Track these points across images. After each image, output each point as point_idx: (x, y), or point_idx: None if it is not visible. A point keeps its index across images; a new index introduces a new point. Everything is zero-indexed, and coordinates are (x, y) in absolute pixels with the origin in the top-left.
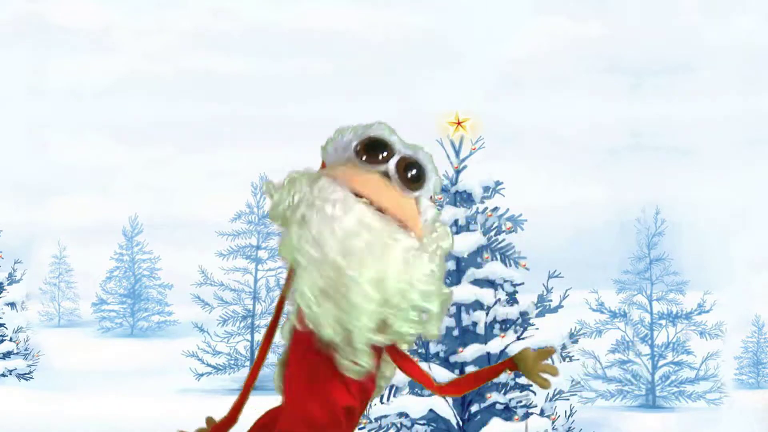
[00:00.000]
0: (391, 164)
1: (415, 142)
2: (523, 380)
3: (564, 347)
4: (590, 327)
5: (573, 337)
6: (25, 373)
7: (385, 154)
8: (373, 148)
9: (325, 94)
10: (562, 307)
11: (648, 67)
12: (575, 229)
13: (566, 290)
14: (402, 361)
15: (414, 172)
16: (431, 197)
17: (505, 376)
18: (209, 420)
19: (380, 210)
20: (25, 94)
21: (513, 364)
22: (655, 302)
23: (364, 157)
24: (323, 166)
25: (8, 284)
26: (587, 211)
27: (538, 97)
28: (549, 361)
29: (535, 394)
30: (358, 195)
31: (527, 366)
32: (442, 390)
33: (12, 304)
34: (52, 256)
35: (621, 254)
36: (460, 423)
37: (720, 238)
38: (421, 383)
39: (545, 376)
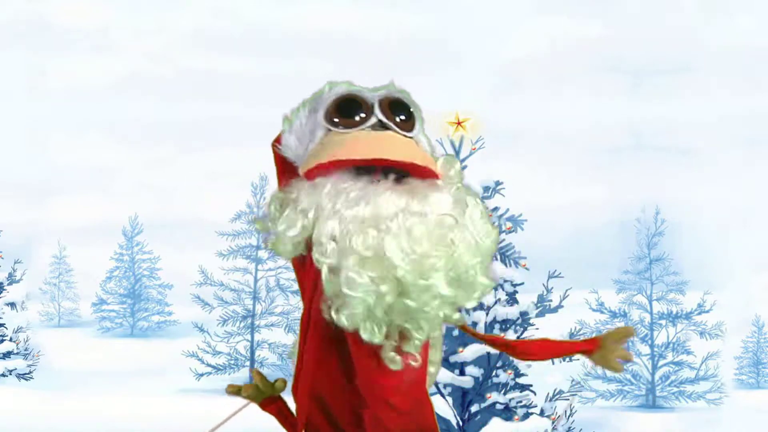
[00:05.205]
0: (378, 114)
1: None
2: (523, 380)
3: None
4: (590, 327)
5: (573, 337)
6: (25, 373)
7: (362, 111)
8: (347, 108)
9: None
10: (562, 307)
11: (648, 67)
12: (575, 229)
13: (566, 290)
14: None
15: (402, 113)
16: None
17: (504, 376)
18: (257, 374)
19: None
20: (25, 94)
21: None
22: (655, 302)
23: (340, 121)
24: (281, 164)
25: (8, 284)
26: (587, 211)
27: (538, 97)
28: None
29: (535, 394)
30: (366, 161)
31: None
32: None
33: (12, 304)
34: (52, 256)
35: (621, 254)
36: (460, 423)
37: (720, 238)
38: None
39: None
